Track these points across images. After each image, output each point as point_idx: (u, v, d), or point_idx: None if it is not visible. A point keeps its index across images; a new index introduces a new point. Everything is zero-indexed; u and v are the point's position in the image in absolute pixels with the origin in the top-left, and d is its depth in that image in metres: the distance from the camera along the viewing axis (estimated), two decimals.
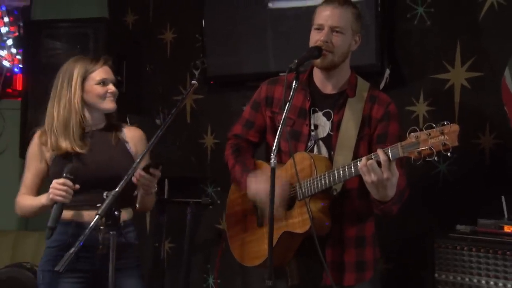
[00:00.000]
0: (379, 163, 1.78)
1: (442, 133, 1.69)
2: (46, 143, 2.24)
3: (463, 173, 2.66)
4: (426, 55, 2.80)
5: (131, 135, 2.34)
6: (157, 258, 3.45)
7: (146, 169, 2.06)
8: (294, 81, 1.91)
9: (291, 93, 1.89)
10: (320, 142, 2.10)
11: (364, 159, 1.82)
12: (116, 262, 2.08)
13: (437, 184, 2.71)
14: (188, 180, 3.48)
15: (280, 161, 2.12)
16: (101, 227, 1.85)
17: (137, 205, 2.27)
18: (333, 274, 2.00)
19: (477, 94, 2.67)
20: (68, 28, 3.44)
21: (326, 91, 2.14)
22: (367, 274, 2.09)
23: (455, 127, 1.69)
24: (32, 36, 3.49)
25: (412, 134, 1.74)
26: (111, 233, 1.87)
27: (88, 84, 2.25)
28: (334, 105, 2.10)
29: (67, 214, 2.14)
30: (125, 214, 2.23)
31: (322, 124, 2.11)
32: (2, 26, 4.06)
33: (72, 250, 1.72)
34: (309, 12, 2.14)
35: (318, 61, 2.05)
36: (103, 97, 2.25)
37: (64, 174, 2.04)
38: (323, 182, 1.95)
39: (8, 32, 4.08)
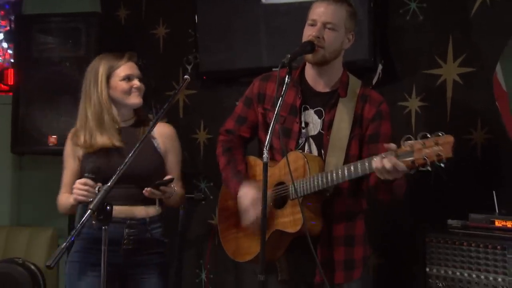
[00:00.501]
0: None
1: (437, 144, 1.68)
2: (77, 143, 2.30)
3: (455, 168, 2.66)
4: (418, 50, 2.81)
5: (160, 131, 2.35)
6: None
7: (156, 186, 2.11)
8: (287, 77, 1.91)
9: (283, 89, 1.89)
10: (311, 140, 2.10)
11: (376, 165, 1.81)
12: (138, 257, 2.24)
13: (429, 179, 2.72)
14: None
15: (272, 157, 2.13)
16: (93, 222, 1.86)
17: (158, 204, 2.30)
18: (324, 272, 2.01)
19: (469, 90, 2.67)
20: (60, 23, 3.42)
21: (317, 88, 2.14)
22: (356, 272, 2.10)
23: (449, 138, 1.68)
24: (24, 31, 3.46)
25: (407, 142, 1.74)
26: (104, 228, 1.87)
27: (113, 81, 2.29)
28: (326, 104, 2.10)
29: None
30: (151, 210, 2.28)
31: (313, 122, 2.11)
32: None
33: (63, 245, 1.72)
34: (302, 8, 2.15)
35: (309, 56, 2.05)
36: (128, 92, 2.29)
37: (86, 174, 2.10)
38: (316, 183, 1.96)
39: None
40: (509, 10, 2.57)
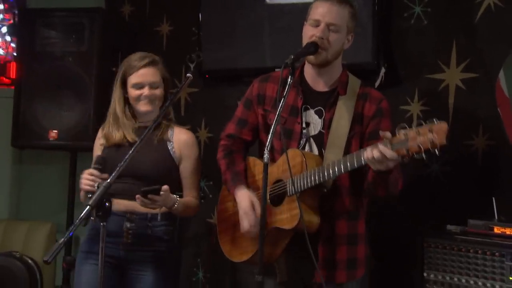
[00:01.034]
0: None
1: (431, 131, 1.68)
2: (101, 136, 2.41)
3: (456, 173, 2.66)
4: (422, 54, 2.80)
5: (179, 137, 2.39)
6: None
7: (144, 194, 2.12)
8: (290, 77, 1.91)
9: (285, 89, 1.89)
10: (312, 140, 2.10)
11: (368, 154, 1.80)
12: (138, 253, 2.28)
13: (429, 184, 2.71)
14: None
15: (273, 159, 2.13)
16: (92, 218, 1.86)
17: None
18: (325, 271, 2.01)
19: (472, 95, 2.67)
20: (63, 18, 3.41)
21: (317, 88, 2.14)
22: (359, 271, 2.10)
23: (443, 126, 1.68)
24: (27, 25, 3.46)
25: (402, 131, 1.74)
26: (102, 224, 1.87)
27: (128, 85, 2.37)
28: (326, 103, 2.10)
29: None
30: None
31: (314, 121, 2.11)
32: None
33: (61, 240, 1.71)
34: (306, 8, 2.14)
35: (312, 57, 2.05)
36: (137, 99, 2.35)
37: (93, 165, 2.17)
38: (312, 178, 1.95)
39: (2, 20, 4.05)
40: None
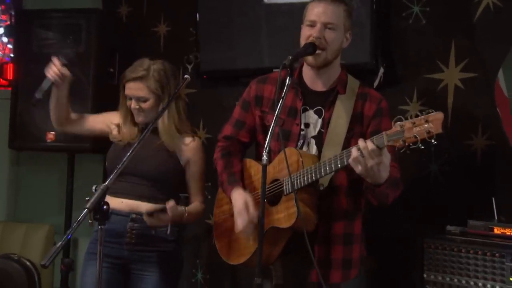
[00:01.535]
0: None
1: (427, 121, 1.69)
2: (115, 122, 2.47)
3: (455, 173, 2.66)
4: (420, 54, 2.79)
5: (186, 141, 2.39)
6: None
7: (150, 214, 2.15)
8: (288, 78, 1.90)
9: (284, 91, 1.88)
10: (312, 140, 2.09)
11: (354, 151, 1.80)
12: (141, 253, 2.29)
13: (429, 184, 2.70)
14: None
15: (270, 159, 2.11)
16: (90, 221, 1.84)
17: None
18: (320, 271, 2.00)
19: (471, 95, 2.66)
20: (60, 18, 3.40)
21: (316, 88, 2.13)
22: (353, 272, 2.10)
23: (439, 115, 1.69)
24: (24, 26, 3.44)
25: (398, 123, 1.75)
26: (100, 227, 1.85)
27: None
28: (325, 102, 2.09)
29: None
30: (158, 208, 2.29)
31: (313, 122, 2.10)
32: None
33: (58, 244, 1.70)
34: (303, 7, 2.13)
35: (311, 59, 2.04)
36: (131, 109, 2.38)
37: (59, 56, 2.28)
38: (309, 175, 1.94)
39: None
40: None
